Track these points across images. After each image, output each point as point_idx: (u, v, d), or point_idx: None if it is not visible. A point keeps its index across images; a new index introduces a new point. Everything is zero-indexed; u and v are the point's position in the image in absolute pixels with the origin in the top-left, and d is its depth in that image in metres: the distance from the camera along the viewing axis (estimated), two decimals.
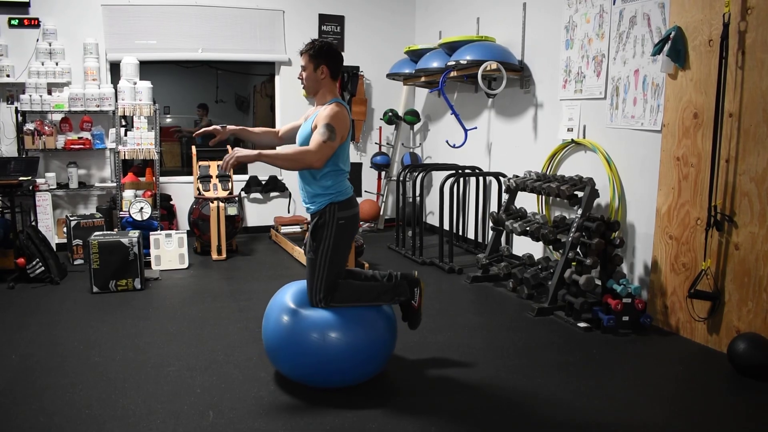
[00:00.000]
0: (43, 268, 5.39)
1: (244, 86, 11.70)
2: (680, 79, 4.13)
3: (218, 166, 6.78)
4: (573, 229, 4.55)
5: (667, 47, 4.10)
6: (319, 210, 3.27)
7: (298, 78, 3.38)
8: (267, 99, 9.42)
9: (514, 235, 5.60)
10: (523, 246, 5.71)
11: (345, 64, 7.89)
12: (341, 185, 3.30)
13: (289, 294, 3.40)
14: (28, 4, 6.56)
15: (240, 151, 3.01)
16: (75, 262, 6.11)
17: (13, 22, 6.54)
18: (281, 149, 3.09)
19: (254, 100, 11.31)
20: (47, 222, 6.38)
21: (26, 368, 3.55)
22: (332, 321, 3.17)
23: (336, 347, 3.13)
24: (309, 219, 3.39)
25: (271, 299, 3.47)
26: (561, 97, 5.44)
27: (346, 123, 3.21)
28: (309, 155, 3.04)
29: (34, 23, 6.60)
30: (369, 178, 8.32)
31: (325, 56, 3.28)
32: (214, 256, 6.38)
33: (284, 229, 7.41)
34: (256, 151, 3.01)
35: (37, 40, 6.60)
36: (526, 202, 5.70)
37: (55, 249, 5.92)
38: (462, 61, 5.85)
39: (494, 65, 5.65)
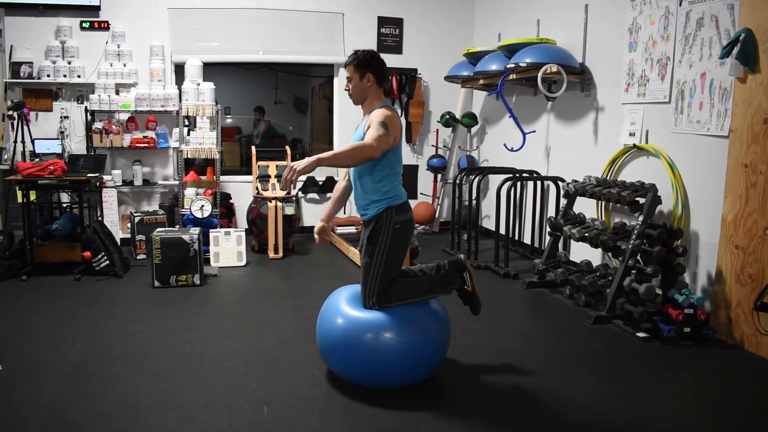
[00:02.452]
0: (107, 261, 5.58)
1: (302, 88, 11.85)
2: (750, 83, 3.99)
3: (277, 167, 6.89)
4: (634, 237, 4.45)
5: (736, 50, 3.97)
6: (375, 215, 3.31)
7: (345, 90, 3.44)
8: (325, 101, 9.52)
9: (571, 240, 5.51)
10: (581, 252, 5.61)
11: (403, 66, 7.92)
12: (397, 189, 3.34)
13: (343, 296, 3.45)
14: (98, 8, 6.82)
15: (298, 164, 2.91)
16: (138, 257, 6.30)
17: (84, 24, 6.81)
18: (341, 148, 3.13)
19: (312, 101, 11.44)
20: (112, 217, 6.61)
21: (88, 358, 3.68)
22: (386, 322, 3.19)
23: (389, 348, 3.15)
24: (363, 223, 3.41)
25: (325, 301, 3.52)
26: (623, 100, 5.33)
27: (398, 124, 3.27)
28: (367, 147, 3.07)
29: (104, 26, 6.86)
30: (425, 181, 8.32)
31: (370, 64, 3.34)
32: (271, 254, 6.49)
33: (340, 230, 7.48)
34: (314, 158, 2.97)
35: (107, 43, 6.86)
36: (585, 207, 5.61)
37: (119, 243, 6.14)
38: (521, 64, 5.79)
39: (554, 68, 5.58)
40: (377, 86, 3.38)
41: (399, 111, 8.02)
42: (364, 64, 3.33)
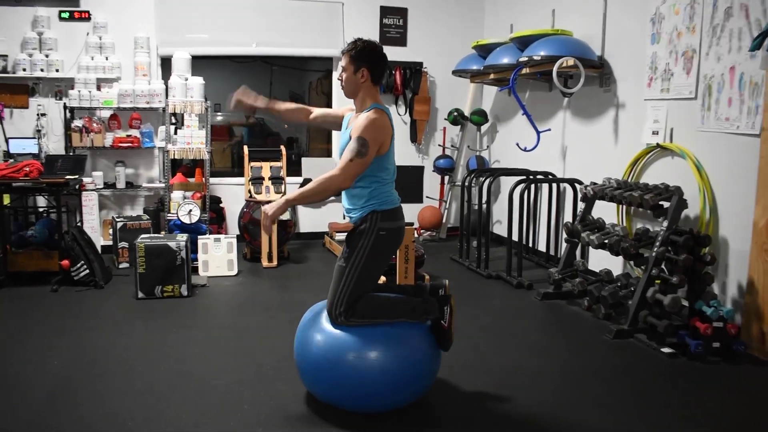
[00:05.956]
0: (87, 271, 5.59)
1: (299, 83, 11.85)
2: None
3: (271, 168, 6.88)
4: (657, 243, 4.44)
5: (767, 42, 3.98)
6: (359, 217, 3.30)
7: (338, 79, 3.41)
8: (323, 97, 9.53)
9: (590, 248, 5.50)
10: (601, 260, 5.60)
11: (407, 59, 7.93)
12: (386, 194, 3.31)
13: (323, 310, 3.42)
14: None
15: (269, 208, 3.14)
16: (120, 266, 6.31)
17: (63, 14, 6.82)
18: (308, 186, 3.17)
19: (310, 97, 11.45)
20: (93, 223, 6.61)
21: (67, 375, 3.68)
22: (367, 338, 3.17)
23: (371, 368, 3.13)
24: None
25: (304, 315, 3.50)
26: (645, 96, 5.33)
27: (384, 131, 3.23)
28: (334, 181, 3.13)
29: (85, 16, 6.87)
30: (431, 183, 8.32)
31: (367, 59, 3.29)
32: (265, 263, 6.49)
33: (339, 236, 7.47)
34: (282, 200, 3.14)
35: (87, 34, 6.87)
36: (605, 212, 5.60)
37: (100, 251, 6.14)
38: (535, 57, 5.79)
39: (571, 61, 5.58)
40: (372, 84, 3.33)
41: (403, 108, 8.04)
42: (361, 57, 3.28)
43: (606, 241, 4.86)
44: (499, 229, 7.75)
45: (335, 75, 7.92)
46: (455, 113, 7.85)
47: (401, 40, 7.98)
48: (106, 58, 6.88)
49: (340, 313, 3.20)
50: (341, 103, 7.86)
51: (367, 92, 3.33)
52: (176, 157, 6.77)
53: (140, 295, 5.27)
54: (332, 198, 7.89)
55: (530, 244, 6.90)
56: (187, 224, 6.21)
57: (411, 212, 7.74)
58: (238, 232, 6.93)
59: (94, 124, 6.68)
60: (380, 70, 3.36)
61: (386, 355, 3.14)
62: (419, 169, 8.24)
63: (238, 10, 7.39)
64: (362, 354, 3.13)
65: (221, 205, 7.42)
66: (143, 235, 5.55)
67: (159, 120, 7.06)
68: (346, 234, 3.36)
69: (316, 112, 3.66)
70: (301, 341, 3.34)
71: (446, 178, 8.21)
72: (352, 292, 3.21)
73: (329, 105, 8.18)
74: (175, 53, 6.86)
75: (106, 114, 6.89)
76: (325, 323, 3.28)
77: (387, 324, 3.24)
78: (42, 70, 6.69)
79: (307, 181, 7.76)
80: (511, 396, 3.52)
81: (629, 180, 5.37)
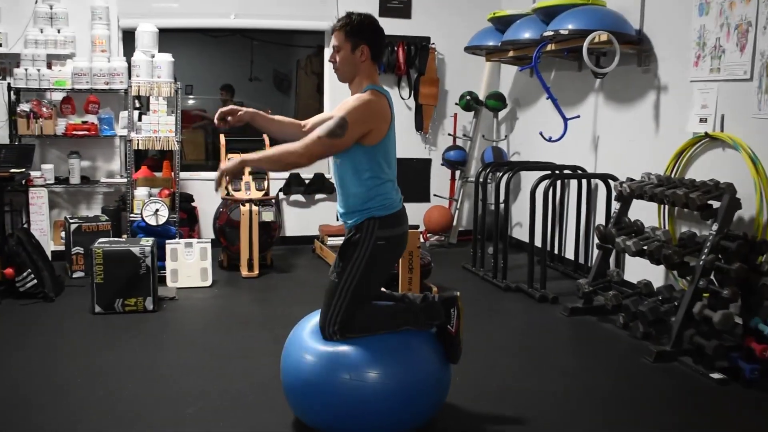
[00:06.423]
0: (35, 281, 5.58)
1: (284, 61, 11.85)
2: None
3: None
4: (706, 250, 4.44)
5: None
6: (354, 224, 3.31)
7: (330, 61, 3.42)
8: (313, 77, 9.53)
9: (626, 255, 5.50)
10: (639, 270, 5.61)
11: (412, 34, 7.94)
12: (386, 197, 3.32)
13: (311, 325, 3.45)
14: None
15: (224, 166, 3.18)
16: (74, 275, 6.30)
17: None
18: (268, 150, 3.23)
19: (297, 78, 11.46)
20: (42, 224, 6.60)
21: (15, 404, 3.67)
22: (365, 355, 3.18)
23: (369, 389, 3.14)
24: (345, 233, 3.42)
25: (291, 331, 3.51)
26: (692, 77, 5.33)
27: (377, 116, 3.24)
28: (293, 155, 3.16)
29: None
30: (440, 179, 8.34)
31: (366, 33, 3.31)
32: (245, 272, 6.49)
33: (331, 241, 7.47)
34: (238, 158, 3.17)
35: (36, 2, 6.85)
36: (644, 213, 5.60)
37: (50, 258, 6.13)
38: (562, 31, 5.80)
39: (604, 36, 5.59)
40: (372, 62, 3.36)
41: (407, 91, 8.05)
42: (359, 32, 3.29)
43: (645, 247, 4.85)
44: (519, 232, 7.76)
45: (327, 52, 7.92)
46: (468, 97, 7.85)
47: (405, 12, 7.99)
48: (58, 31, 6.86)
49: (335, 332, 3.24)
50: (335, 85, 7.86)
51: (365, 73, 3.35)
52: (141, 147, 6.76)
53: (97, 309, 5.26)
54: (323, 195, 7.91)
55: (556, 251, 6.90)
56: (153, 226, 6.21)
57: (416, 213, 7.75)
58: (213, 236, 6.93)
59: (44, 109, 6.67)
60: (381, 45, 3.39)
61: (386, 372, 3.16)
62: (425, 163, 8.25)
63: None
64: (359, 372, 3.14)
65: (193, 204, 7.43)
66: (101, 239, 5.54)
67: (120, 104, 7.06)
68: (341, 243, 3.36)
69: (312, 121, 3.66)
70: (288, 360, 3.36)
71: (457, 173, 8.22)
72: (346, 309, 3.24)
73: (320, 87, 8.19)
74: (139, 25, 6.83)
75: (58, 97, 6.89)
76: (316, 340, 3.30)
77: (386, 333, 3.28)
78: None
79: (294, 176, 7.76)
80: (534, 424, 3.52)
81: (672, 176, 5.37)
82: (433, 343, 3.39)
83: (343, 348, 3.22)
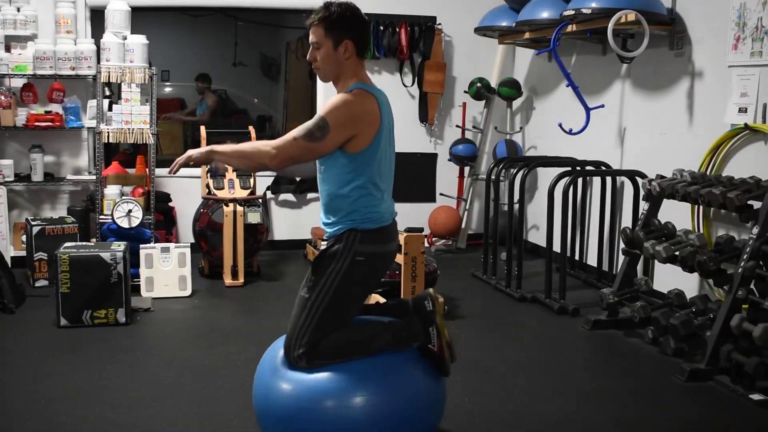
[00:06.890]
0: None
1: (273, 44, 11.87)
2: None
3: None
4: (745, 256, 4.45)
5: None
6: (333, 235, 3.32)
7: (309, 60, 3.40)
8: (304, 62, 9.53)
9: (656, 262, 5.51)
10: (670, 279, 5.62)
11: (415, 13, 7.94)
12: (371, 208, 3.29)
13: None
14: None
15: (192, 151, 3.29)
16: (37, 284, 6.30)
17: None
18: (240, 144, 3.28)
19: (287, 62, 11.46)
20: (0, 227, 6.61)
21: None
22: (346, 380, 3.16)
23: (357, 415, 3.12)
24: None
25: (264, 353, 3.50)
26: (730, 62, 5.34)
27: (362, 119, 3.21)
28: (264, 155, 3.18)
29: None
30: (447, 176, 8.35)
31: (349, 26, 3.27)
32: (228, 280, 6.50)
33: (324, 245, 7.48)
34: (207, 148, 3.28)
35: None
36: (675, 214, 5.61)
37: (10, 265, 6.13)
38: (585, 10, 5.81)
39: (632, 16, 5.59)
40: (357, 58, 3.32)
41: (410, 77, 8.05)
42: (342, 25, 3.25)
43: (677, 252, 4.86)
44: (536, 236, 7.76)
45: None
46: (478, 84, 7.85)
47: None
48: (18, 10, 6.84)
49: (300, 356, 3.18)
50: None
51: (350, 71, 3.32)
52: (111, 140, 6.75)
53: (63, 322, 5.26)
54: (316, 195, 7.91)
55: (576, 257, 6.91)
56: (125, 229, 6.21)
57: (421, 214, 7.75)
58: (193, 240, 6.94)
59: (2, 97, 6.67)
60: (365, 38, 3.39)
61: (371, 393, 3.13)
62: (431, 158, 8.25)
63: None
64: (343, 399, 3.12)
65: (170, 204, 7.44)
66: (67, 244, 5.55)
67: (88, 92, 7.07)
68: (317, 254, 3.37)
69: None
70: (261, 389, 3.33)
71: (467, 169, 8.22)
72: (315, 331, 3.19)
73: (312, 73, 8.16)
74: (109, 3, 6.82)
75: (17, 83, 6.89)
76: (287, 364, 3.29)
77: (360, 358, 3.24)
78: None
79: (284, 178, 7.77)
80: None
81: (708, 173, 5.38)
82: (422, 362, 3.35)
83: (324, 371, 3.18)
